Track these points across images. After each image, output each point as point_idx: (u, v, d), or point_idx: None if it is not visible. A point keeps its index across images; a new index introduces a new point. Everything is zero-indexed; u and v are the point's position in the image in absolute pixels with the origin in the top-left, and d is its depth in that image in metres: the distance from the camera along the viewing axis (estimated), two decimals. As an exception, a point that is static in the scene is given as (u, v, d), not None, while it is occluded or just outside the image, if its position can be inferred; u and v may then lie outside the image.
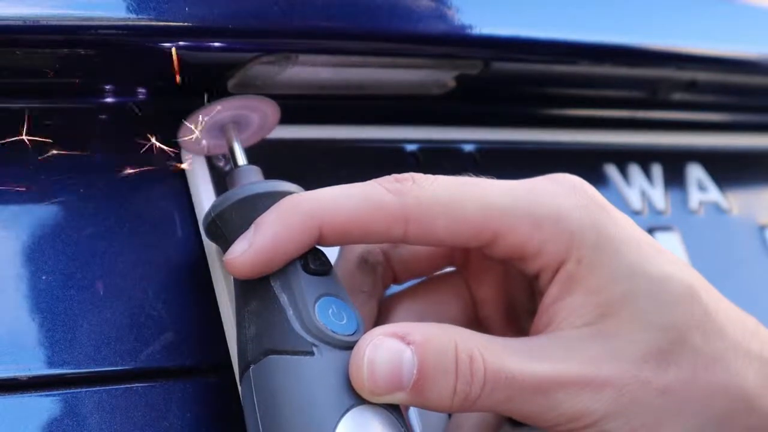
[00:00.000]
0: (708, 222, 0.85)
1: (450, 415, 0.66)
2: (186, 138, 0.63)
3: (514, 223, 0.59)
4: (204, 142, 0.64)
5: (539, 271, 0.60)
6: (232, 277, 0.63)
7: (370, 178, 0.59)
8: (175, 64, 0.62)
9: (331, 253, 0.61)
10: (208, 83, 0.65)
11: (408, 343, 0.56)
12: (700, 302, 0.60)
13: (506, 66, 0.75)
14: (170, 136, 0.65)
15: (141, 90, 0.65)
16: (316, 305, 0.57)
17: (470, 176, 0.60)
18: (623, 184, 0.82)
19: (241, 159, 0.63)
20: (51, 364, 0.58)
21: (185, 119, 0.62)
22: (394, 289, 0.66)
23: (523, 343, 0.59)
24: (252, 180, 0.61)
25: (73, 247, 0.61)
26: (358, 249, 0.63)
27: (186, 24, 0.62)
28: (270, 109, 0.64)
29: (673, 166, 0.85)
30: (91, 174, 0.63)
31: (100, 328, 0.60)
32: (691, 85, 0.84)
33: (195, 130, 0.63)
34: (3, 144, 0.61)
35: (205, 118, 0.63)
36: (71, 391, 0.59)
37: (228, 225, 0.60)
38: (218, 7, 0.62)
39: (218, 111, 0.62)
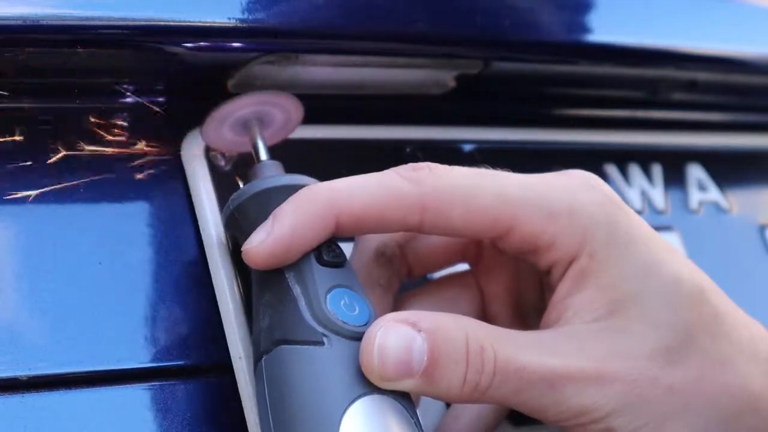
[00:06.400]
0: (708, 222, 0.85)
1: (447, 407, 0.66)
2: (209, 132, 0.63)
3: (529, 214, 0.59)
4: (227, 137, 0.64)
5: (551, 265, 0.60)
6: (234, 276, 0.63)
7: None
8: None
9: (347, 248, 0.61)
10: (208, 83, 0.65)
11: (419, 330, 0.56)
12: (709, 304, 0.60)
13: (506, 66, 0.75)
14: (169, 136, 0.65)
15: (140, 90, 0.65)
16: (328, 296, 0.58)
17: (486, 168, 0.60)
18: (623, 184, 0.82)
19: (263, 154, 0.63)
20: (51, 364, 0.58)
21: (210, 113, 0.63)
22: (405, 287, 0.66)
23: (533, 336, 0.59)
24: (271, 174, 0.62)
25: (73, 247, 0.61)
26: (375, 242, 0.64)
27: (186, 24, 0.62)
28: (294, 108, 0.64)
29: (673, 166, 0.85)
30: (90, 174, 0.63)
31: (101, 328, 0.60)
32: (691, 85, 0.84)
33: (219, 124, 0.63)
34: (3, 143, 0.61)
35: (232, 112, 0.63)
36: (71, 391, 0.59)
37: (246, 217, 0.60)
38: (218, 7, 0.62)
39: (244, 104, 0.63)
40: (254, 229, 0.58)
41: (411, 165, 0.59)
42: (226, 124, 0.63)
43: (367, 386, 0.56)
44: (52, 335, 0.59)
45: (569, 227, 0.59)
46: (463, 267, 0.67)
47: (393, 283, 0.64)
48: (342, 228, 0.58)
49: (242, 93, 0.64)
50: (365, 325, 0.57)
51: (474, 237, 0.63)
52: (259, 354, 0.58)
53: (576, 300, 0.59)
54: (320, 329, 0.57)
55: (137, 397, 0.60)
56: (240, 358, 0.61)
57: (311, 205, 0.58)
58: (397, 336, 0.56)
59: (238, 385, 0.62)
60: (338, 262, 0.59)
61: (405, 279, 0.65)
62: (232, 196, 0.61)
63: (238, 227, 0.61)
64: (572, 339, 0.58)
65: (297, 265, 0.58)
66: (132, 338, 0.61)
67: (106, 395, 0.59)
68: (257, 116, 0.64)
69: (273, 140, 0.65)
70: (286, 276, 0.58)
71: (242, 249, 0.58)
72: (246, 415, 0.61)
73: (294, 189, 0.59)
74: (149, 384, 0.61)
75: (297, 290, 0.58)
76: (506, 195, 0.59)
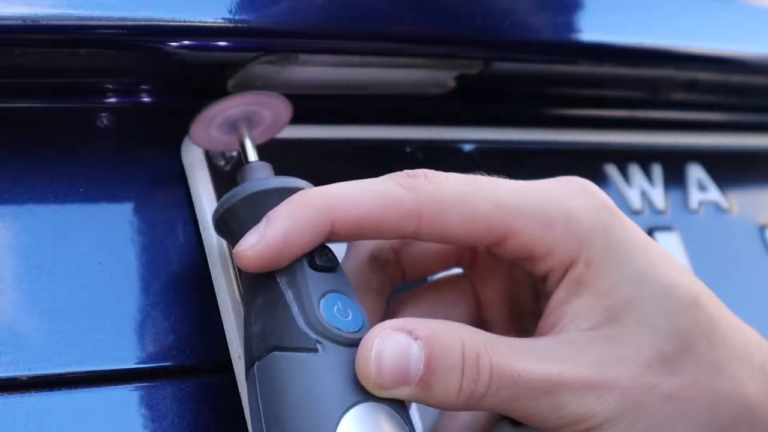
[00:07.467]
0: (708, 222, 0.85)
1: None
2: (197, 133, 0.63)
3: (526, 222, 0.59)
4: (215, 137, 0.64)
5: (547, 272, 0.60)
6: (234, 276, 0.63)
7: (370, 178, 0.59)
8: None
9: (339, 251, 0.61)
10: (208, 83, 0.65)
11: (415, 338, 0.56)
12: (705, 311, 0.60)
13: (506, 66, 0.75)
14: (169, 136, 0.65)
15: (140, 90, 0.65)
16: (321, 302, 0.57)
17: (482, 174, 0.60)
18: (623, 184, 0.82)
19: (251, 155, 0.63)
20: (51, 363, 0.58)
21: (198, 114, 0.62)
22: (400, 290, 0.66)
23: (529, 343, 0.59)
24: (262, 176, 0.61)
25: (73, 247, 0.61)
26: (369, 246, 0.63)
27: (186, 23, 0.62)
28: (282, 107, 0.64)
29: (673, 166, 0.85)
30: (90, 174, 0.63)
31: (100, 328, 0.60)
32: (691, 85, 0.84)
33: (206, 125, 0.63)
34: (2, 143, 0.61)
35: (219, 113, 0.63)
36: (71, 391, 0.59)
37: (236, 221, 0.59)
38: (218, 7, 0.62)
39: (231, 105, 0.62)
40: (245, 233, 0.58)
41: (407, 172, 0.59)
42: (213, 125, 0.63)
43: (362, 394, 0.55)
44: (52, 335, 0.59)
45: (566, 235, 0.59)
46: (457, 270, 0.67)
47: (386, 287, 0.64)
48: (336, 234, 0.58)
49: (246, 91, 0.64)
50: (359, 331, 0.57)
51: (470, 244, 0.63)
52: (251, 360, 0.57)
53: (572, 307, 0.59)
54: (314, 336, 0.56)
55: (137, 397, 0.60)
56: (240, 358, 0.61)
57: (306, 210, 0.57)
58: (394, 344, 0.55)
59: (238, 385, 0.62)
60: (331, 266, 0.58)
61: (399, 283, 0.65)
62: (221, 199, 0.60)
63: (228, 230, 0.60)
64: (569, 346, 0.58)
65: (289, 269, 0.58)
66: (132, 338, 0.61)
67: (106, 395, 0.59)
68: (245, 116, 0.63)
69: (261, 139, 0.64)
70: (278, 280, 0.58)
71: (233, 252, 0.58)
72: (246, 416, 0.61)
73: (285, 192, 0.59)
74: (149, 384, 0.61)
75: (289, 295, 0.57)
76: (502, 202, 0.59)
